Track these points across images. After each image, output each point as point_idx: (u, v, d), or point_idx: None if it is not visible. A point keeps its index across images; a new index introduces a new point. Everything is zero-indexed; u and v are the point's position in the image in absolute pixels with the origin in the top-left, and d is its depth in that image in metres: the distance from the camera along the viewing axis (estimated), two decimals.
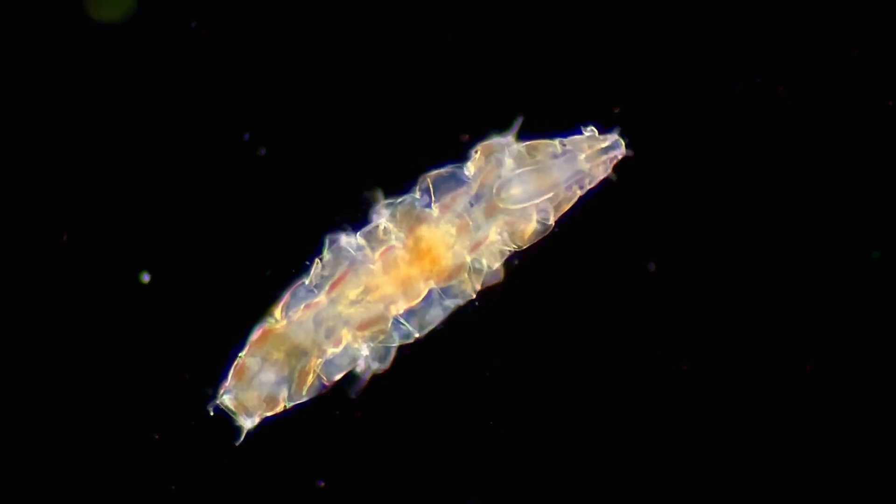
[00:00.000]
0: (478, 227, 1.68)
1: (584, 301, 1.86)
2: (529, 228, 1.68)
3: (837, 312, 1.83)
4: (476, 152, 1.70)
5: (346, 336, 1.69)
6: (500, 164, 1.68)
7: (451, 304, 1.71)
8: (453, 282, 1.69)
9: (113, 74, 1.89)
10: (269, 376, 1.70)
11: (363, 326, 1.69)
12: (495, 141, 1.69)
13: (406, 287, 1.68)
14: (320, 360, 1.70)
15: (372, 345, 1.70)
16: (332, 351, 1.69)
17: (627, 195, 1.81)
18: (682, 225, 1.86)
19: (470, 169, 1.69)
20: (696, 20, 1.86)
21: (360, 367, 1.71)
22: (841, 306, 1.83)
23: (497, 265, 1.70)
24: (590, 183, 1.70)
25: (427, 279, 1.68)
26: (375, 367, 1.71)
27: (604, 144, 1.69)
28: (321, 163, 1.87)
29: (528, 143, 1.70)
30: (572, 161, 1.68)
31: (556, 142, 1.69)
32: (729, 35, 1.86)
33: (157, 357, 1.87)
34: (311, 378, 1.70)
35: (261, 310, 1.72)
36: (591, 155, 1.68)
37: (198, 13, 1.87)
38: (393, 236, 1.69)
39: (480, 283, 1.70)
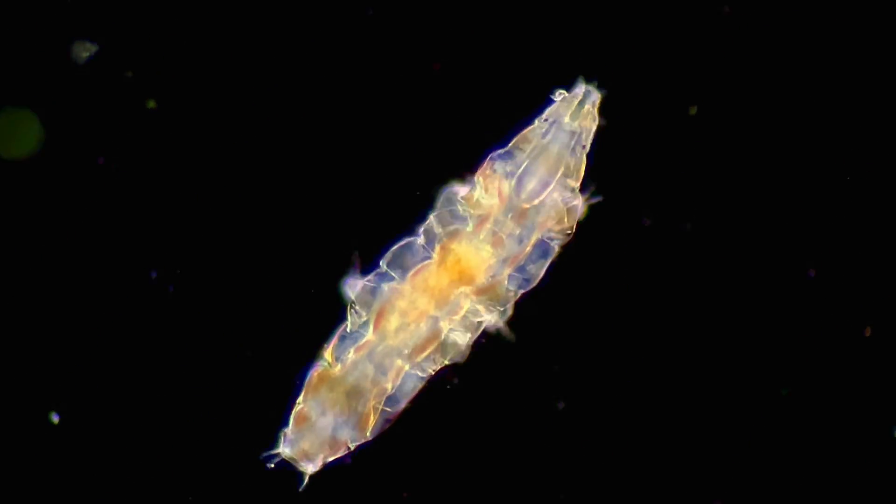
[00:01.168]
0: (518, 241, 1.68)
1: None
2: (564, 211, 1.68)
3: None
4: (478, 179, 1.70)
5: (404, 367, 1.69)
6: (502, 173, 1.68)
7: (492, 317, 1.70)
8: (489, 296, 1.69)
9: (20, 213, 1.87)
10: (329, 420, 1.69)
11: (418, 350, 1.69)
12: (486, 161, 1.70)
13: (439, 299, 1.68)
14: (380, 398, 1.70)
15: (435, 365, 1.70)
16: (391, 386, 1.70)
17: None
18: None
19: (481, 194, 1.69)
20: None
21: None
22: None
23: (542, 271, 1.70)
24: (587, 138, 1.70)
25: (458, 289, 1.68)
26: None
27: (578, 98, 1.70)
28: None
29: (514, 140, 1.70)
30: (560, 128, 1.68)
31: (536, 122, 1.70)
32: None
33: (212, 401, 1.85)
34: (372, 419, 1.70)
35: (307, 350, 1.72)
36: (574, 113, 1.69)
37: (104, 149, 1.85)
38: (427, 252, 1.69)
39: (515, 298, 1.70)
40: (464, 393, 1.82)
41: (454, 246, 1.68)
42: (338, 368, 1.69)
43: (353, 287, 1.70)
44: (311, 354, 1.72)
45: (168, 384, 1.85)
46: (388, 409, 1.71)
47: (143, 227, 1.87)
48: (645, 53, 1.84)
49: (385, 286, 1.69)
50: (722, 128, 1.86)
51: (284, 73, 1.87)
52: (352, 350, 1.69)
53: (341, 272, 1.71)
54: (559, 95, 1.70)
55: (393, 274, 1.69)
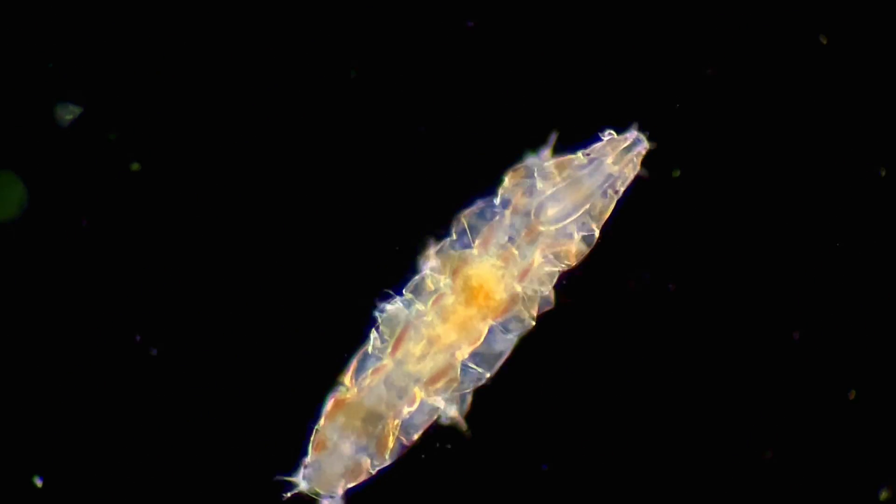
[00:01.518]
0: (523, 255, 1.68)
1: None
2: (573, 245, 1.69)
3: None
4: (505, 179, 1.70)
5: (419, 393, 1.69)
6: (531, 187, 1.68)
7: (513, 336, 1.70)
8: (510, 314, 1.68)
9: (3, 275, 1.86)
10: (348, 446, 1.69)
11: (433, 380, 1.68)
12: (522, 165, 1.70)
13: (467, 330, 1.67)
14: (397, 421, 1.69)
15: (446, 395, 1.69)
16: (407, 410, 1.69)
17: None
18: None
19: (501, 198, 1.70)
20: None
21: (442, 419, 1.71)
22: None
23: (548, 289, 1.70)
24: (622, 184, 1.70)
25: (485, 317, 1.68)
26: (454, 414, 1.70)
27: (626, 144, 1.69)
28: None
29: (554, 160, 1.69)
30: (600, 168, 1.68)
31: (580, 153, 1.70)
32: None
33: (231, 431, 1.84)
34: (391, 441, 1.69)
35: (327, 378, 1.72)
36: (617, 157, 1.69)
37: (87, 211, 1.85)
38: (441, 283, 1.69)
39: (536, 309, 1.69)
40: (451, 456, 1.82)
41: (468, 270, 1.68)
42: (354, 392, 1.69)
43: (383, 310, 1.70)
44: (329, 381, 1.72)
45: (185, 411, 1.84)
46: (403, 439, 1.70)
47: (128, 289, 1.86)
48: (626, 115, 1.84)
49: (410, 310, 1.69)
50: (705, 189, 1.86)
51: (270, 132, 1.87)
52: (369, 373, 1.69)
53: (348, 302, 1.75)
54: (608, 135, 1.70)
55: (417, 301, 1.69)
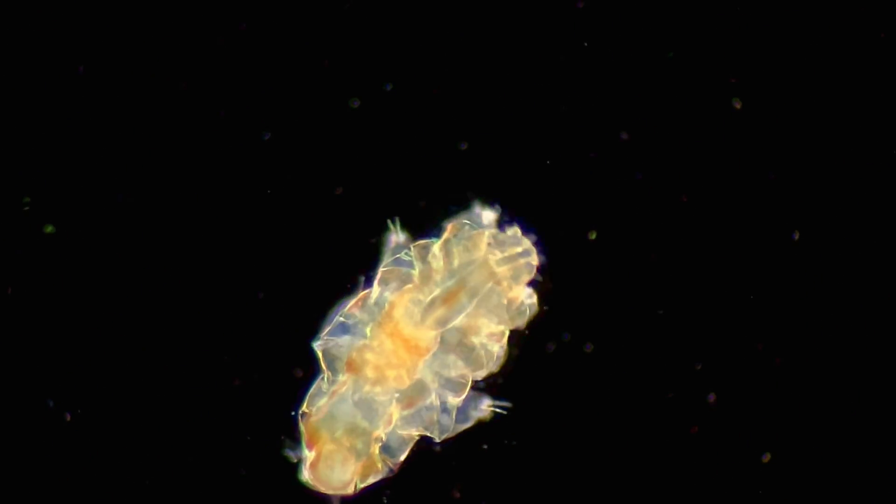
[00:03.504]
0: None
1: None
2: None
3: None
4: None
5: (395, 414, 1.64)
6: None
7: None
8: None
9: None
10: (338, 464, 1.66)
11: (408, 404, 1.64)
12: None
13: (417, 348, 1.63)
14: (379, 441, 1.65)
15: (423, 426, 1.66)
16: (386, 431, 1.65)
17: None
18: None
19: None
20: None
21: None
22: None
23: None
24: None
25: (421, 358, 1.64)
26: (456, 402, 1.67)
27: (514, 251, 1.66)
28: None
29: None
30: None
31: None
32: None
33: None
34: (379, 465, 1.66)
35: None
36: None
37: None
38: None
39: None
40: None
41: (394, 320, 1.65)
42: (321, 408, 1.65)
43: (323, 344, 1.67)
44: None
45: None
46: (389, 458, 1.67)
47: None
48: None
49: (354, 340, 1.65)
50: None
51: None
52: (330, 392, 1.65)
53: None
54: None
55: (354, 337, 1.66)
